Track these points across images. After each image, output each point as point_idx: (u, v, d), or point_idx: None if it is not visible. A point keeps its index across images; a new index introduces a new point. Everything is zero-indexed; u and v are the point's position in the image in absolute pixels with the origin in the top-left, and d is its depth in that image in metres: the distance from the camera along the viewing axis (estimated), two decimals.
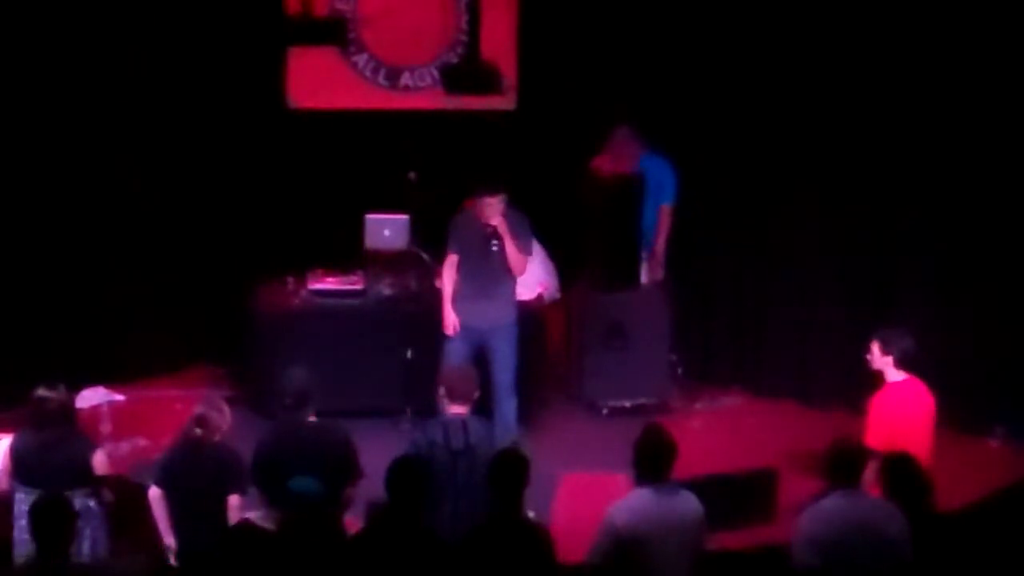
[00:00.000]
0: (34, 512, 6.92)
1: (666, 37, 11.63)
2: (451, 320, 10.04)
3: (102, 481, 8.07)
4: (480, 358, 9.93)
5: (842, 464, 7.21)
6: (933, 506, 7.36)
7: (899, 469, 7.36)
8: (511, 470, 7.21)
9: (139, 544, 8.36)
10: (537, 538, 7.14)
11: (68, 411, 8.16)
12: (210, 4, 11.65)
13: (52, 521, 6.83)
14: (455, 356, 9.92)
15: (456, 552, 7.16)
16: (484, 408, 9.80)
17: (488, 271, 9.94)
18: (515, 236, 9.86)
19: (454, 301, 10.07)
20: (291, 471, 7.94)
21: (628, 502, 7.11)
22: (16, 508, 8.14)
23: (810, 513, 7.17)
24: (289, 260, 11.45)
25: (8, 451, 8.23)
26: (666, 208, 11.30)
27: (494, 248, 9.86)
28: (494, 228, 9.82)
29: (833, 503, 7.13)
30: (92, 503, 8.00)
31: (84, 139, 11.25)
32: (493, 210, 9.82)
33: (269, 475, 7.94)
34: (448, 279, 10.10)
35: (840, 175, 11.13)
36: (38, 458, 8.04)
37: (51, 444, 8.02)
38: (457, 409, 8.09)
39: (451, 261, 10.08)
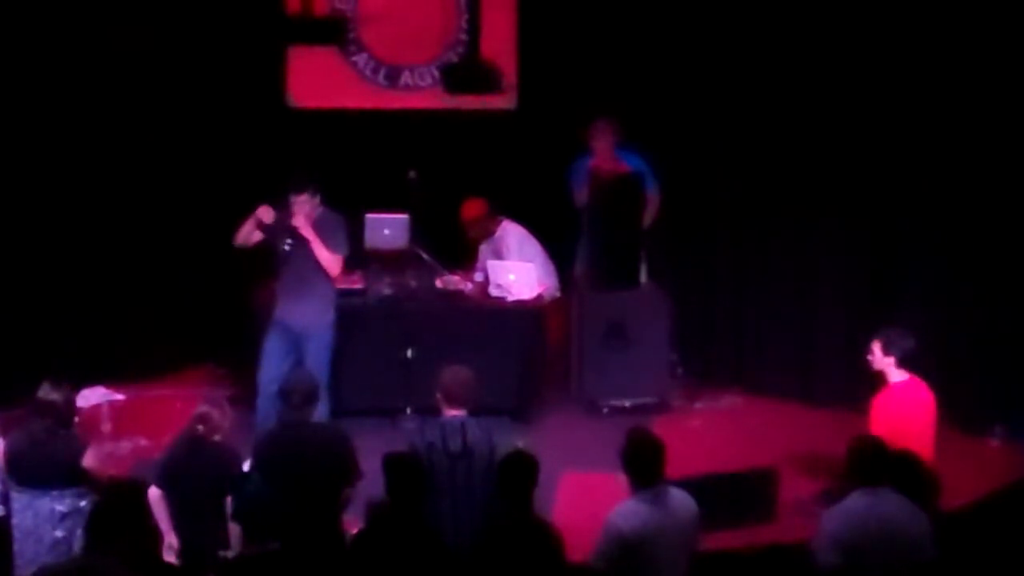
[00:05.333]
0: (96, 510, 6.85)
1: (667, 37, 11.63)
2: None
3: (92, 479, 8.05)
4: (298, 357, 9.90)
5: (864, 462, 7.14)
6: (938, 504, 7.35)
7: (902, 467, 7.31)
8: (520, 470, 7.20)
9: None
10: (548, 538, 7.14)
11: (68, 411, 8.13)
12: (210, 3, 11.65)
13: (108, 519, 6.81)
14: (272, 355, 9.91)
15: (467, 553, 7.16)
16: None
17: (297, 271, 9.89)
18: (322, 236, 9.78)
19: (278, 298, 10.03)
20: (290, 470, 7.95)
21: (630, 508, 7.04)
22: (12, 509, 8.12)
23: (833, 512, 7.12)
24: None
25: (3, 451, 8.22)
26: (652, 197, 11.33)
27: (286, 247, 9.83)
28: (294, 228, 9.78)
29: (856, 502, 7.07)
30: (84, 503, 7.95)
31: (84, 138, 11.26)
32: (297, 208, 9.77)
33: (267, 474, 7.94)
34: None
35: (841, 175, 11.13)
36: (31, 458, 8.01)
37: (43, 444, 8.00)
38: (454, 412, 7.99)
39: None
